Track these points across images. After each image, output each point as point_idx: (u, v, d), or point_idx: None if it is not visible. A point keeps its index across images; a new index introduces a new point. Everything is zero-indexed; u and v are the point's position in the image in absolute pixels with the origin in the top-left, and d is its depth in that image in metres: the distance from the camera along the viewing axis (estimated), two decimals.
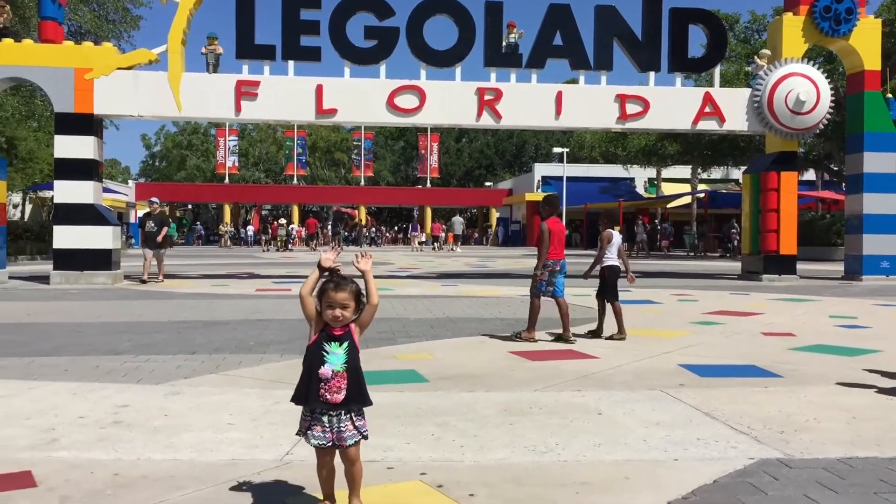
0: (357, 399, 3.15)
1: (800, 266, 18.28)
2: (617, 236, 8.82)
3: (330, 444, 3.10)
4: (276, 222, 45.63)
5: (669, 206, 44.74)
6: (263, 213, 65.68)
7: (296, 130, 56.76)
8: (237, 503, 3.38)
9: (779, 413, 5.01)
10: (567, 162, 48.91)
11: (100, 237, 15.79)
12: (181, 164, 71.29)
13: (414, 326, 9.38)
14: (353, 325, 3.22)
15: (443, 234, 44.87)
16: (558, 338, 8.31)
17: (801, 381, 6.05)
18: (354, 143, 60.41)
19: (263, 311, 10.81)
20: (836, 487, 3.62)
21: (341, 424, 3.09)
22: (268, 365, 6.72)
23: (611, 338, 8.37)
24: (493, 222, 59.94)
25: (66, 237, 15.64)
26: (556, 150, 49.44)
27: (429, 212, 56.82)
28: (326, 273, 3.24)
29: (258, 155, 69.42)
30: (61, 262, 15.65)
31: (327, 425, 3.08)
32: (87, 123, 15.75)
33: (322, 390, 3.09)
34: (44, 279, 15.94)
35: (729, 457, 4.09)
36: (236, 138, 59.60)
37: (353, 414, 3.14)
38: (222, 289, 14.95)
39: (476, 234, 62.23)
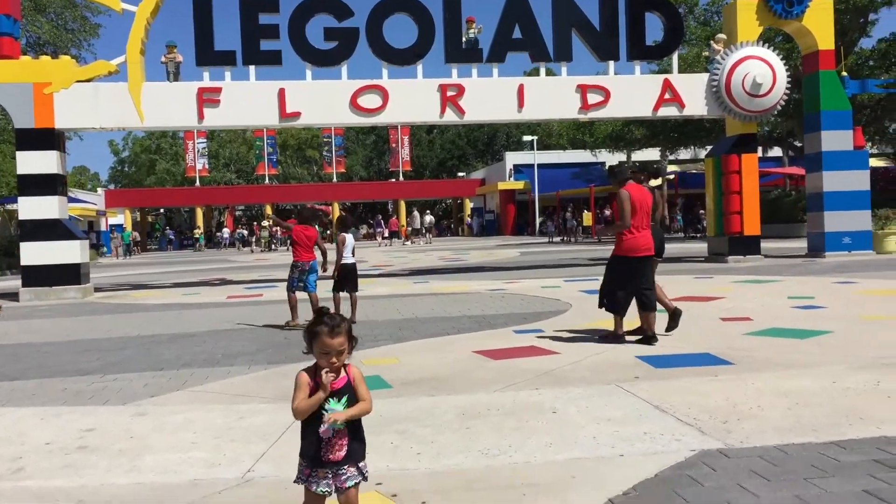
0: (358, 455, 3.02)
1: (766, 244, 18.64)
2: (350, 238, 10.18)
3: (332, 491, 2.98)
4: (258, 224, 45.64)
5: None
6: (237, 214, 65.48)
7: (265, 130, 56.55)
8: None
9: (725, 402, 5.20)
10: (538, 149, 49.17)
11: (67, 252, 15.75)
12: (151, 169, 70.86)
13: (381, 329, 9.52)
14: (353, 374, 3.05)
15: (411, 228, 45.14)
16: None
17: (750, 368, 6.26)
18: (325, 139, 60.33)
19: (233, 321, 10.90)
20: (769, 475, 3.81)
21: (341, 469, 2.98)
22: (234, 379, 6.82)
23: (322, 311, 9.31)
24: (468, 213, 60.16)
25: (33, 253, 15.60)
26: (526, 138, 49.73)
27: (403, 205, 56.87)
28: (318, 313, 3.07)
29: (228, 156, 69.14)
30: (30, 278, 15.61)
31: (329, 474, 2.96)
32: (48, 138, 15.69)
33: (322, 450, 2.95)
34: (13, 296, 15.89)
35: (672, 450, 4.27)
36: (205, 140, 59.33)
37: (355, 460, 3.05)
38: (193, 298, 14.98)
39: (452, 226, 62.50)
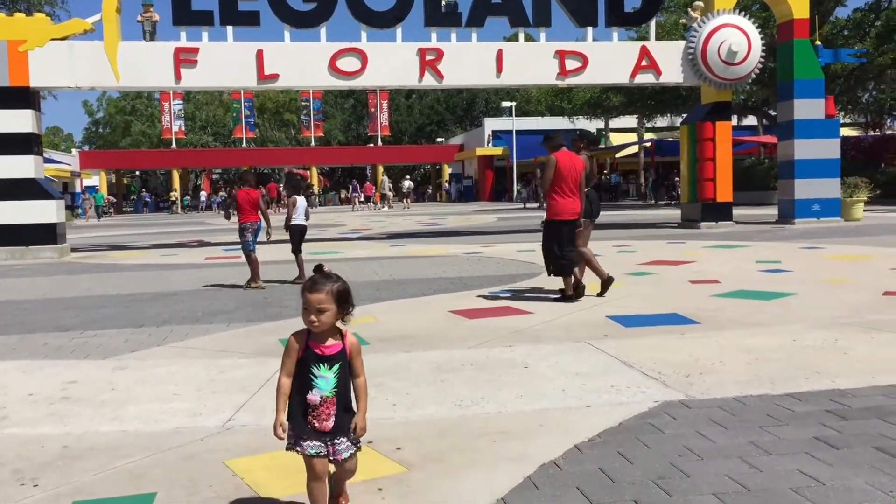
0: (347, 426, 2.89)
1: (739, 211, 18.94)
2: (301, 200, 10.74)
3: (325, 454, 2.84)
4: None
5: (618, 155, 45.41)
6: (214, 177, 64.96)
7: (242, 93, 55.96)
8: (180, 467, 3.66)
9: (689, 358, 5.42)
10: (516, 115, 49.13)
11: (43, 211, 15.70)
12: (126, 131, 69.98)
13: (360, 289, 9.65)
14: (350, 343, 2.90)
15: (386, 193, 45.07)
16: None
17: (715, 327, 6.49)
18: (303, 103, 59.83)
19: (211, 281, 10.99)
20: (727, 424, 4.02)
21: (335, 440, 2.85)
22: (214, 335, 6.95)
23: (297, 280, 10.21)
24: (446, 178, 60.14)
25: (9, 213, 15.52)
26: (505, 104, 49.65)
27: (381, 170, 56.72)
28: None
29: (205, 118, 68.38)
30: (6, 238, 15.55)
31: (319, 442, 2.83)
32: (23, 96, 15.55)
33: (310, 416, 2.82)
34: None
35: (637, 401, 4.48)
36: (181, 102, 58.60)
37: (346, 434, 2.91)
38: (171, 259, 15.03)
39: (430, 190, 62.48)
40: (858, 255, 11.66)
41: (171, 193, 55.76)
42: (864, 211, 19.49)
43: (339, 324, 2.89)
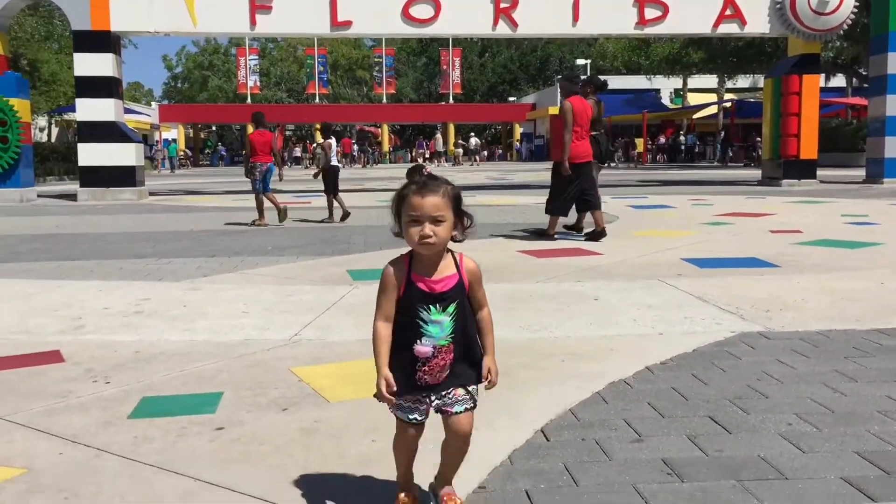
0: (467, 378, 2.19)
1: (823, 172, 18.21)
2: (334, 143, 11.18)
3: (427, 416, 2.21)
4: (310, 143, 46.31)
5: (695, 116, 44.11)
6: (287, 133, 65.74)
7: (316, 48, 56.17)
8: (247, 373, 3.67)
9: (769, 296, 5.20)
10: (591, 73, 48.05)
11: (123, 154, 16.09)
12: (203, 86, 71.18)
13: None
14: (468, 270, 2.18)
15: (440, 151, 45.24)
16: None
17: (797, 270, 6.22)
18: (375, 59, 59.68)
19: (283, 222, 11.10)
20: (809, 353, 3.83)
21: (443, 391, 2.17)
22: (283, 265, 7.01)
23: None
24: (517, 137, 59.53)
25: (90, 154, 15.97)
26: (580, 61, 48.67)
27: (452, 128, 56.43)
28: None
29: (280, 74, 69.01)
30: (87, 178, 16.02)
31: (425, 399, 2.18)
32: (104, 41, 15.86)
33: (420, 373, 2.14)
34: (72, 197, 16.35)
35: (712, 331, 4.31)
36: (257, 57, 59.19)
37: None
38: (244, 202, 15.24)
39: (500, 150, 61.98)
40: None
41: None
42: None
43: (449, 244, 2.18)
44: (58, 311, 5.05)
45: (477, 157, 45.23)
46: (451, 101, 58.69)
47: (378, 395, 2.12)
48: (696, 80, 45.52)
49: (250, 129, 11.31)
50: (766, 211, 11.47)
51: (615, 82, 51.14)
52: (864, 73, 31.77)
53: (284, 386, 3.44)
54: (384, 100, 59.37)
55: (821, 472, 2.47)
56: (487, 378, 2.21)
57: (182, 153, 48.85)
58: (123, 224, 11.16)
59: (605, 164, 9.37)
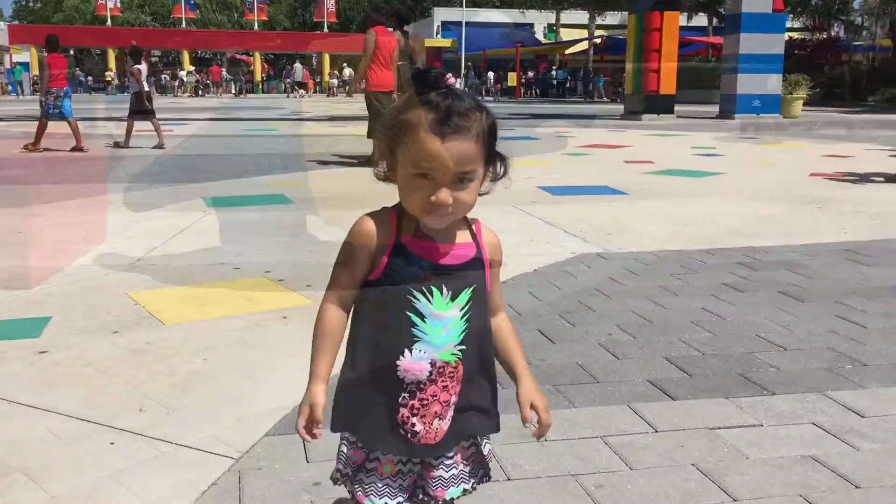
0: (482, 427, 1.39)
1: (682, 107, 18.95)
2: (144, 68, 11.22)
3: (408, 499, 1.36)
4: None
5: (567, 52, 44.81)
6: (153, 59, 62.29)
7: None
8: (80, 297, 3.54)
9: (613, 220, 5.44)
10: (467, 6, 47.89)
11: None
12: (58, 5, 66.25)
13: (291, 161, 9.46)
14: (487, 243, 1.37)
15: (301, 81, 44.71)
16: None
17: (643, 197, 6.53)
18: None
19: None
20: (640, 272, 4.05)
21: (440, 458, 1.35)
22: (136, 192, 6.74)
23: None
24: None
25: None
26: None
27: (327, 58, 55.08)
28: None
29: None
30: None
31: (409, 470, 1.35)
32: None
33: (404, 410, 1.29)
34: None
35: (554, 253, 4.48)
36: None
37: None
38: (104, 130, 14.45)
39: None
40: (792, 144, 11.81)
41: (107, 74, 53.43)
42: (803, 111, 19.65)
43: None
44: None
45: (351, 87, 44.51)
46: (325, 29, 57.21)
47: (299, 427, 1.30)
48: (568, 16, 46.16)
49: (45, 52, 10.90)
50: (623, 143, 11.89)
51: (491, 15, 51.20)
52: (723, 12, 33.10)
53: (118, 310, 3.35)
54: (256, 26, 57.20)
55: (630, 376, 2.65)
56: (529, 421, 1.36)
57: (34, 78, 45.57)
58: None
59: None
